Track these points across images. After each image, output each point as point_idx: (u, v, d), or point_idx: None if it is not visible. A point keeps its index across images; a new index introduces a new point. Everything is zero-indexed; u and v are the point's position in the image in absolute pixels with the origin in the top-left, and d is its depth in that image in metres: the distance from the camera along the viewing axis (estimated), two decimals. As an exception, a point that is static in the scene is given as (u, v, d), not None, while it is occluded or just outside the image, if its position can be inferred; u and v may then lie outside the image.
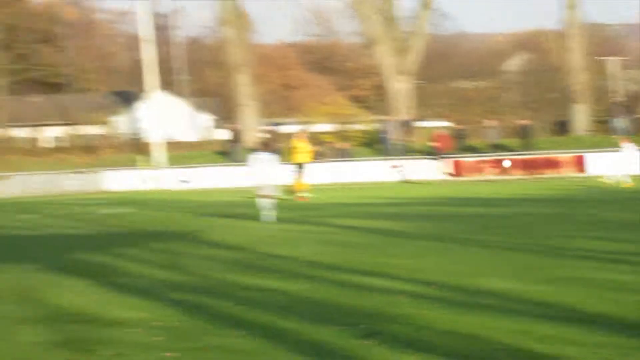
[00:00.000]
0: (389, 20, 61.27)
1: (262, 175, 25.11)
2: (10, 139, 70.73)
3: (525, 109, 62.88)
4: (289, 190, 35.71)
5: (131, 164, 59.78)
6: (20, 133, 72.35)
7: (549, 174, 48.75)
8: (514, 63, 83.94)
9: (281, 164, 27.98)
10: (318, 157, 46.74)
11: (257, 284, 12.50)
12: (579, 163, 48.97)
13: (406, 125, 56.34)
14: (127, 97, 77.86)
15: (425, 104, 72.39)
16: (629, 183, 37.14)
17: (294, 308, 10.50)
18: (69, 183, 56.40)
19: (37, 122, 75.23)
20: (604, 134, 53.90)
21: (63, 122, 73.22)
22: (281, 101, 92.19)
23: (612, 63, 67.21)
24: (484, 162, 51.30)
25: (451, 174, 50.64)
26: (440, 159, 51.11)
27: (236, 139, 59.50)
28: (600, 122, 56.61)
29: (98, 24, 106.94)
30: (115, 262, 15.88)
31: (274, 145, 41.14)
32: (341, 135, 58.08)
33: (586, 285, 11.33)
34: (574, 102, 57.88)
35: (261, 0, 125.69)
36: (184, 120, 76.39)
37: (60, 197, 49.77)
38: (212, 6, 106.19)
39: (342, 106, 64.95)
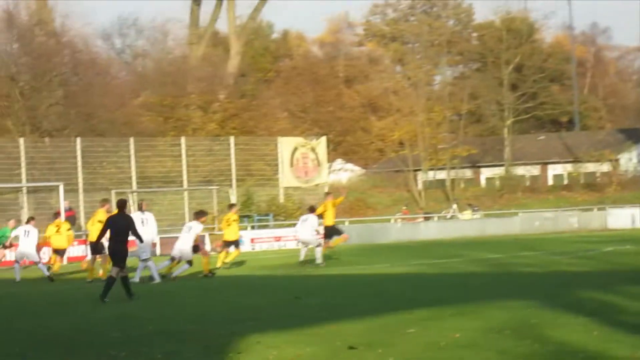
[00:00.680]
0: None
1: None
2: (515, 177, 72.15)
3: None
4: None
5: (637, 202, 58.21)
6: (525, 171, 73.54)
7: None
8: None
9: None
10: None
11: None
12: None
13: None
14: (635, 134, 76.08)
15: None
16: None
17: None
18: (573, 220, 56.16)
19: (542, 160, 75.96)
20: None
21: (568, 160, 73.26)
22: None
23: None
24: None
25: None
26: None
27: None
28: None
29: (609, 61, 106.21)
30: (618, 300, 15.43)
31: None
32: None
33: None
34: None
35: None
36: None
37: (563, 234, 49.73)
38: None
39: None
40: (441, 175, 71.09)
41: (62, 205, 39.50)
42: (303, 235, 29.48)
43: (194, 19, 77.64)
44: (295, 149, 55.23)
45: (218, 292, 21.65)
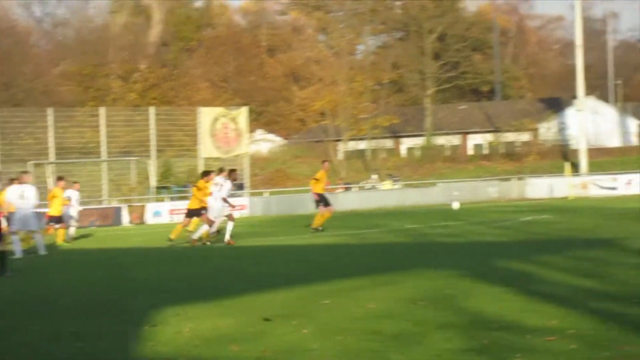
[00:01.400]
0: None
1: None
2: (435, 147, 72.63)
3: None
4: None
5: (556, 171, 59.03)
6: (445, 141, 74.03)
7: None
8: None
9: None
10: None
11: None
12: None
13: None
14: (555, 104, 77.06)
15: None
16: None
17: None
18: (492, 190, 56.74)
19: (462, 130, 76.53)
20: None
21: (488, 130, 73.91)
22: None
23: None
24: None
25: None
26: None
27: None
28: None
29: (531, 31, 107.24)
30: (534, 269, 15.55)
31: None
32: None
33: None
34: None
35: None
36: (611, 125, 74.33)
37: (482, 204, 50.22)
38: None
39: None
40: (362, 145, 71.29)
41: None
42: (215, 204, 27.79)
43: (116, -14, 76.53)
44: (216, 119, 54.85)
45: (136, 265, 21.43)
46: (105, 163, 51.56)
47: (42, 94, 64.03)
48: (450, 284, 14.07)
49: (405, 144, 77.20)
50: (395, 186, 58.13)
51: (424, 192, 55.36)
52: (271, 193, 52.75)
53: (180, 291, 15.04)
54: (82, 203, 38.04)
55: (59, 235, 31.13)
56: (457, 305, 11.78)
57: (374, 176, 61.58)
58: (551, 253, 18.45)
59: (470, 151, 74.62)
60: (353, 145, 71.70)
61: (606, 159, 61.42)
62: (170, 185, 52.40)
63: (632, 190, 52.55)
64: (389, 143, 75.62)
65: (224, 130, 54.74)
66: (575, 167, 57.87)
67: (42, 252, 25.23)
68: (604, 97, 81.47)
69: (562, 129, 71.37)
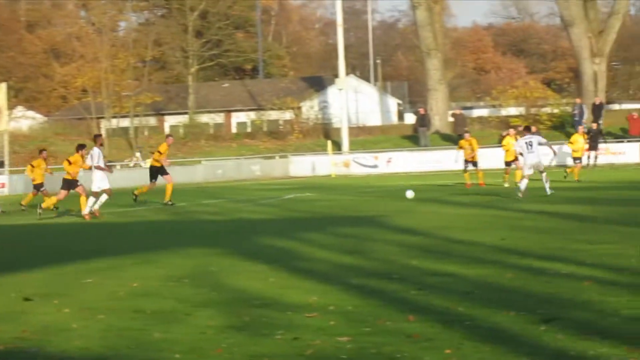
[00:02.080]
0: (588, 0, 59.16)
1: (531, 157, 26.11)
2: (199, 125, 72.50)
3: None
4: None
5: (318, 149, 60.20)
6: (209, 119, 74.00)
7: None
8: None
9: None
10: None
11: (439, 269, 12.22)
12: None
13: (599, 108, 54.27)
14: (317, 83, 78.47)
15: (619, 86, 69.97)
16: None
17: (473, 294, 10.14)
18: (255, 168, 57.28)
19: (226, 108, 76.71)
20: None
21: (251, 108, 74.38)
22: (472, 85, 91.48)
23: None
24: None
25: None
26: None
27: (423, 123, 59.10)
28: None
29: (293, 9, 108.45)
30: (297, 246, 15.83)
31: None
32: (531, 119, 56.71)
33: None
34: None
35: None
36: (372, 104, 76.44)
37: (246, 182, 50.62)
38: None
39: (532, 89, 63.51)
40: (125, 123, 70.26)
41: None
42: None
43: None
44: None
45: None
46: None
47: None
48: (214, 261, 14.14)
49: (169, 121, 76.69)
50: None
51: (188, 170, 55.20)
52: (23, 171, 51.28)
53: None
54: None
55: None
56: (220, 283, 11.85)
57: (138, 154, 60.88)
58: (314, 230, 18.83)
59: (234, 129, 74.91)
60: (116, 122, 70.56)
61: (367, 138, 63.10)
62: None
63: (393, 168, 54.38)
64: (152, 121, 74.87)
65: (-20, 107, 52.50)
66: (337, 146, 59.19)
67: None
68: (364, 77, 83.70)
69: (324, 108, 72.72)
